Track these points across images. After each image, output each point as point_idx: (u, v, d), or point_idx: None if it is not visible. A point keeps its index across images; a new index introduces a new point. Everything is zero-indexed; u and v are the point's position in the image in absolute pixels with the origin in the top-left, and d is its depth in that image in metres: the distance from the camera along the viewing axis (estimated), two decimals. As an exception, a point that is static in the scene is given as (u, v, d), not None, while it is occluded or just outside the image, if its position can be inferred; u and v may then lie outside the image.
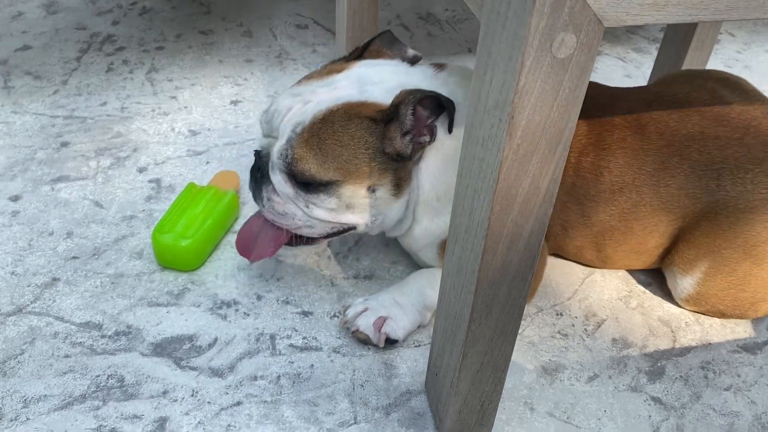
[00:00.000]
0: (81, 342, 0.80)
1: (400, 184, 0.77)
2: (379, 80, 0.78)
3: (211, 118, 1.18)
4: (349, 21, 1.17)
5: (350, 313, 0.81)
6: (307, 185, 0.75)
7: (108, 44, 1.39)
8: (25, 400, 0.74)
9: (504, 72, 0.47)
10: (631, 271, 0.94)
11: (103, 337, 0.81)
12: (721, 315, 0.87)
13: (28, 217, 0.97)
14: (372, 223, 0.79)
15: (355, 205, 0.77)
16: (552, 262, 0.95)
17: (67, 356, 0.79)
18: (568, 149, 0.51)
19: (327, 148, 0.73)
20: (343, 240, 0.96)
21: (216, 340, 0.81)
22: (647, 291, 0.92)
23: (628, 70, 1.42)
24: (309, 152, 0.73)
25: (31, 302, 0.85)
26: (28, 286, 0.87)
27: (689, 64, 1.14)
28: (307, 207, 0.77)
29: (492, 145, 0.50)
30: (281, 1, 1.58)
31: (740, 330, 0.87)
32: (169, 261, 0.88)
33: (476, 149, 0.53)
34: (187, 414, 0.73)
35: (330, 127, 0.74)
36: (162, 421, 0.73)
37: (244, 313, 0.85)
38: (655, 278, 0.93)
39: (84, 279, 0.88)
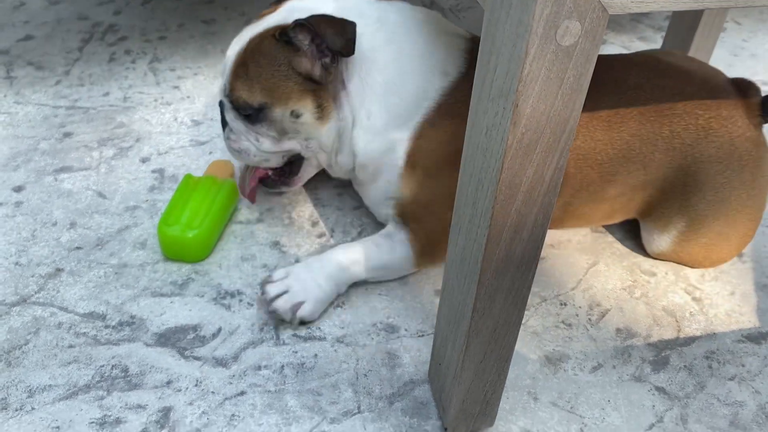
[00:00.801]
0: (85, 332, 0.80)
1: (322, 106, 0.81)
2: (311, 9, 0.81)
3: (213, 107, 1.18)
4: (352, 10, 1.16)
5: (271, 292, 0.81)
6: (249, 117, 0.82)
7: (110, 34, 1.39)
8: (30, 390, 0.74)
9: (508, 60, 0.46)
10: (635, 261, 0.94)
11: (107, 327, 0.81)
12: (701, 257, 0.89)
13: (32, 208, 0.97)
14: (307, 148, 0.86)
15: (288, 130, 0.83)
16: (555, 252, 0.95)
17: (71, 346, 0.79)
18: (573, 138, 0.50)
19: (249, 72, 0.80)
20: (347, 231, 0.96)
21: (220, 330, 0.82)
22: (651, 281, 0.91)
23: (632, 58, 1.41)
24: (237, 81, 0.81)
25: (35, 292, 0.85)
26: (32, 277, 0.87)
27: (694, 52, 1.13)
28: (257, 140, 0.85)
29: (496, 134, 0.50)
30: (284, -10, 1.58)
31: (745, 320, 0.87)
32: (176, 253, 0.88)
33: (480, 138, 0.53)
34: (191, 404, 0.74)
35: (249, 54, 0.80)
36: (166, 411, 0.73)
37: (248, 303, 0.85)
38: (660, 268, 0.93)
39: (87, 269, 0.88)
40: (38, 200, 0.98)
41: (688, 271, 0.93)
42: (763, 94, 0.85)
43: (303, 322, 0.82)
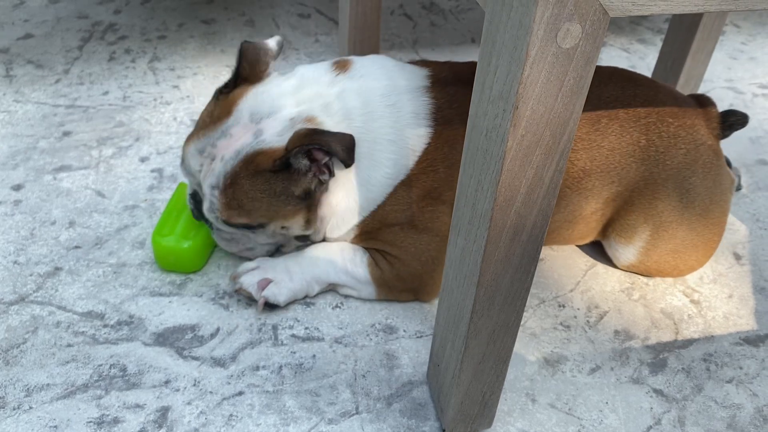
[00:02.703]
0: (83, 331, 0.80)
1: (309, 220, 0.81)
2: (269, 111, 0.78)
3: (213, 107, 1.18)
4: (352, 10, 1.17)
5: (241, 267, 0.84)
6: (243, 226, 0.81)
7: (110, 33, 1.38)
8: (28, 388, 0.74)
9: (508, 62, 0.47)
10: (633, 263, 0.94)
11: (105, 326, 0.81)
12: (670, 266, 0.88)
13: (30, 207, 0.97)
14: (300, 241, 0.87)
15: (277, 237, 0.85)
16: (553, 254, 0.95)
17: (69, 345, 0.79)
18: (573, 140, 0.50)
19: (246, 205, 0.78)
20: (346, 230, 0.96)
21: (218, 330, 0.82)
22: (650, 283, 0.91)
23: (632, 61, 1.41)
24: (233, 211, 0.79)
25: (34, 291, 0.85)
26: (31, 276, 0.87)
27: (694, 55, 1.13)
28: (247, 238, 0.85)
29: (496, 136, 0.50)
30: (284, -10, 1.58)
31: (743, 323, 0.87)
32: (171, 264, 0.87)
33: (480, 140, 0.53)
34: (189, 403, 0.74)
35: (241, 188, 0.77)
36: (164, 411, 0.73)
37: (246, 303, 0.85)
38: (658, 270, 0.93)
39: (86, 268, 0.88)
40: (37, 199, 0.98)
41: (686, 273, 0.93)
42: (721, 110, 0.90)
43: (268, 305, 0.83)
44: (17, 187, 1.00)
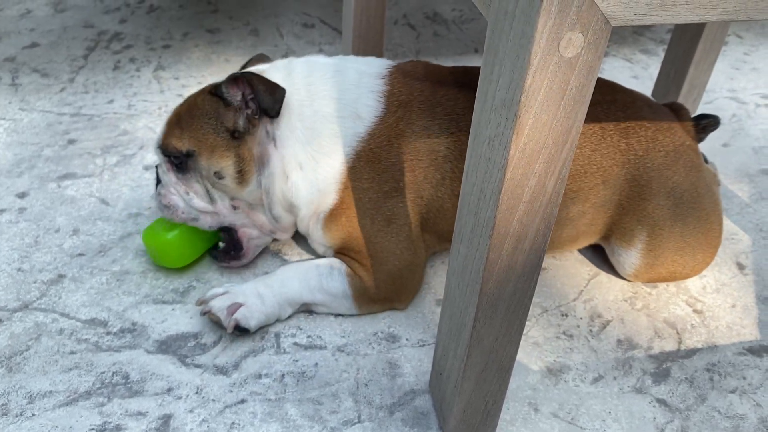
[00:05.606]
0: (86, 339, 0.80)
1: (243, 171, 0.83)
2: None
3: (217, 116, 1.18)
4: (356, 20, 1.17)
5: (209, 293, 0.82)
6: (180, 169, 0.84)
7: (115, 42, 1.39)
8: (31, 395, 0.74)
9: (511, 71, 0.47)
10: (636, 273, 0.94)
11: (108, 334, 0.81)
12: (680, 266, 0.89)
13: (35, 214, 0.97)
14: (236, 211, 0.86)
15: (215, 186, 0.84)
16: (556, 263, 0.95)
17: (72, 353, 0.79)
18: (575, 149, 0.51)
19: (182, 121, 0.84)
20: (349, 239, 0.96)
21: (221, 338, 0.82)
22: (653, 292, 0.91)
23: (635, 71, 1.42)
24: (171, 130, 0.84)
25: (37, 298, 0.85)
26: (34, 283, 0.87)
27: (696, 65, 1.13)
28: (187, 194, 0.85)
29: (498, 144, 0.50)
30: (288, 0, 1.59)
31: (746, 333, 0.87)
32: (157, 256, 0.87)
33: (482, 148, 0.53)
34: (191, 411, 0.74)
35: (184, 108, 0.85)
36: (166, 419, 0.73)
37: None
38: (661, 280, 0.93)
39: (90, 276, 0.88)
40: (41, 206, 0.99)
41: (689, 283, 0.93)
42: (703, 115, 0.91)
43: (239, 329, 0.80)
44: (22, 195, 1.00)
